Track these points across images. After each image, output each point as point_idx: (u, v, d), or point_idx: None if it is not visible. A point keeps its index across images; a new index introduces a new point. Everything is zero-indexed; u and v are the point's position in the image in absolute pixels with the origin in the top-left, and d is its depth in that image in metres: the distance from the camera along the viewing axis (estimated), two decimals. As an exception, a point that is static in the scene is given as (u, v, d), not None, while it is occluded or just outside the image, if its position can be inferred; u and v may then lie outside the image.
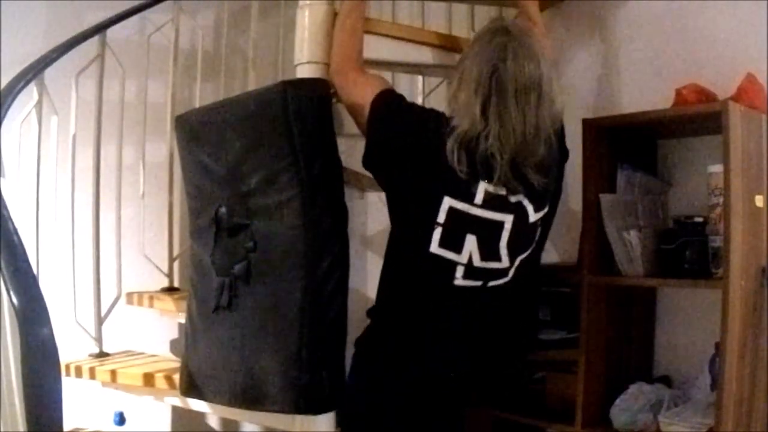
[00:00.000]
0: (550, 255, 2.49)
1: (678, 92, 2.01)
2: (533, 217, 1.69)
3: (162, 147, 2.73)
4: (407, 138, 1.70)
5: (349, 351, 1.84)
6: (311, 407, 1.82)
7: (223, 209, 1.92)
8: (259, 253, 1.84)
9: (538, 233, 1.75)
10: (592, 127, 2.06)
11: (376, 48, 1.96)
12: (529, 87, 1.60)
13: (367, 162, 1.76)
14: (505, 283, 1.73)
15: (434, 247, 1.66)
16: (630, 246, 1.97)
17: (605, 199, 2.03)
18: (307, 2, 1.94)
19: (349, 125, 1.92)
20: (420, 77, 2.86)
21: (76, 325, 2.45)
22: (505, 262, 1.70)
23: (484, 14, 2.64)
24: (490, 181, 1.62)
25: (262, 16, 2.75)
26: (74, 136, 2.48)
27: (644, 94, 2.23)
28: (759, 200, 1.85)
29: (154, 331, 2.80)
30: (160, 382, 2.30)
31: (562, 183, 1.84)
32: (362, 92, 1.77)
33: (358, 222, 1.93)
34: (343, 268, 1.81)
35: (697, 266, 1.88)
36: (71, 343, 2.37)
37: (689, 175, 2.16)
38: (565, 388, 2.08)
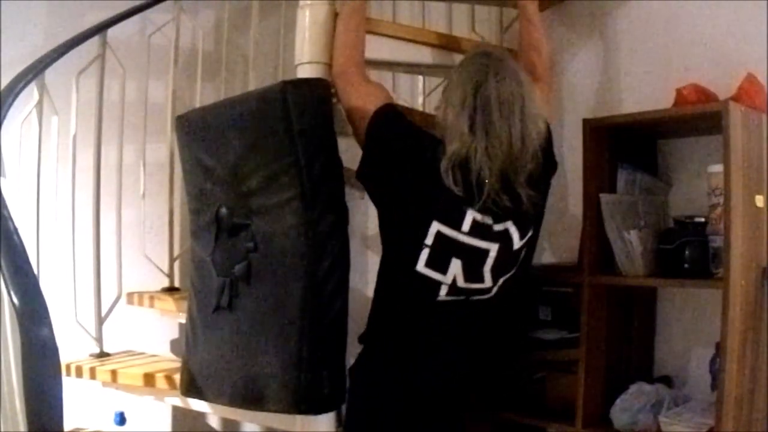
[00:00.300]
0: (550, 255, 2.49)
1: (678, 92, 2.01)
2: (518, 244, 1.74)
3: (162, 147, 2.73)
4: (403, 157, 1.74)
5: (350, 351, 1.84)
6: (312, 407, 1.82)
7: (223, 209, 1.92)
8: (259, 253, 1.84)
9: (522, 255, 1.79)
10: (593, 127, 2.06)
11: (376, 48, 1.96)
12: (512, 101, 1.65)
13: (361, 174, 1.79)
14: (489, 298, 1.77)
15: (420, 266, 1.71)
16: (630, 246, 1.97)
17: (605, 199, 2.03)
18: (308, 2, 1.94)
19: (349, 125, 1.92)
20: (420, 77, 2.86)
21: (76, 325, 2.45)
22: (487, 283, 1.74)
23: (485, 14, 2.64)
24: (480, 206, 1.66)
25: (263, 16, 2.75)
26: (75, 136, 2.48)
27: (644, 94, 2.23)
28: (759, 200, 1.85)
29: (155, 331, 2.80)
30: (161, 382, 2.30)
31: (546, 200, 1.87)
32: (364, 102, 1.79)
33: (358, 222, 1.93)
34: (344, 268, 1.81)
35: (698, 266, 1.88)
36: (72, 343, 2.37)
37: (689, 175, 2.16)
38: (566, 388, 2.08)
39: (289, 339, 1.77)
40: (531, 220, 1.76)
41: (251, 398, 1.85)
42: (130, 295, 2.66)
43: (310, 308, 1.76)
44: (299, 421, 1.91)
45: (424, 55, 2.24)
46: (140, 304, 2.66)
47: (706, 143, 2.08)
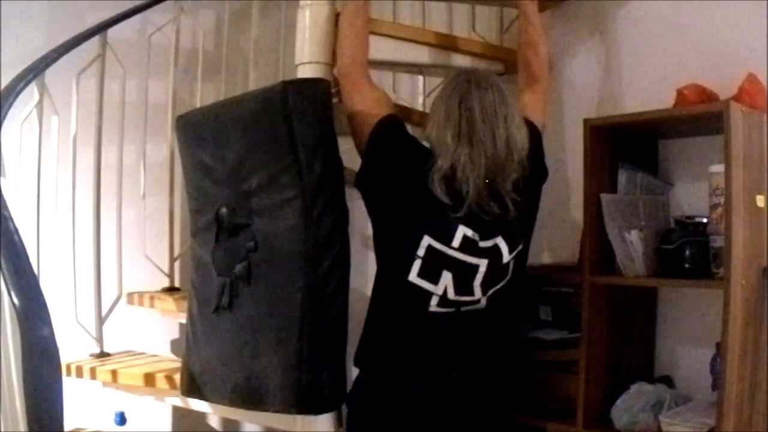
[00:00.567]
0: (550, 255, 2.49)
1: (679, 92, 2.00)
2: (507, 258, 1.76)
3: (163, 147, 2.73)
4: (401, 168, 1.76)
5: (350, 351, 1.84)
6: (312, 407, 1.82)
7: (223, 209, 1.92)
8: (259, 253, 1.84)
9: (511, 268, 1.80)
10: (593, 127, 2.06)
11: (376, 48, 1.96)
12: (495, 109, 1.69)
13: (360, 182, 1.81)
14: (480, 309, 1.78)
15: (413, 276, 1.73)
16: (631, 246, 1.97)
17: (606, 199, 2.03)
18: (308, 2, 1.94)
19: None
20: (420, 77, 2.86)
21: (76, 325, 2.45)
22: (477, 295, 1.76)
23: (485, 14, 2.64)
24: (469, 217, 1.68)
25: (263, 16, 2.75)
26: (75, 136, 2.48)
27: (645, 94, 2.23)
28: (760, 200, 1.85)
29: (155, 331, 2.80)
30: (161, 382, 2.30)
31: (537, 210, 1.89)
32: (369, 108, 1.82)
33: (358, 222, 1.93)
34: (344, 268, 1.81)
35: (698, 266, 1.88)
36: (72, 343, 2.37)
37: (690, 175, 2.15)
38: (566, 388, 2.08)
39: (289, 339, 1.77)
40: (520, 232, 1.78)
41: (251, 398, 1.85)
42: (130, 295, 2.66)
43: (310, 308, 1.76)
44: (299, 421, 1.91)
45: (424, 55, 2.24)
46: (140, 304, 2.66)
47: (706, 143, 2.08)
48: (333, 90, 1.91)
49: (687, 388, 2.08)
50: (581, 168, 2.08)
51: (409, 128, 1.97)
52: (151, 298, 2.63)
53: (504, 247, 1.75)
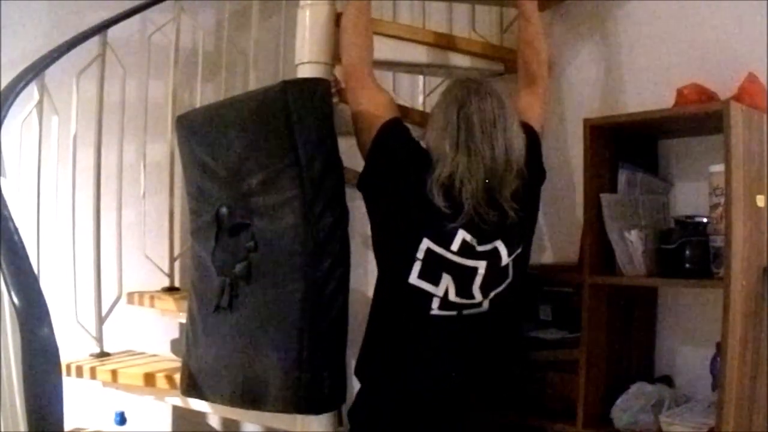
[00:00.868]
0: (550, 255, 2.49)
1: (679, 92, 2.00)
2: (506, 260, 1.76)
3: (163, 147, 2.73)
4: (403, 171, 1.77)
5: (350, 351, 1.84)
6: (312, 407, 1.82)
7: (223, 209, 1.92)
8: (260, 253, 1.84)
9: (511, 271, 1.80)
10: (593, 127, 2.06)
11: (377, 48, 1.96)
12: (494, 118, 1.69)
13: (362, 183, 1.82)
14: (482, 312, 1.78)
15: (413, 278, 1.73)
16: (631, 246, 1.97)
17: (606, 198, 2.03)
18: (308, 2, 1.95)
19: (350, 125, 1.92)
20: (420, 77, 2.86)
21: (76, 325, 2.45)
22: (478, 298, 1.76)
23: (485, 14, 2.64)
24: (468, 223, 1.69)
25: (263, 15, 2.75)
26: (75, 136, 2.48)
27: (645, 93, 2.22)
28: (760, 200, 1.85)
29: (155, 331, 2.80)
30: (161, 381, 2.30)
31: (537, 212, 1.89)
32: (374, 109, 1.83)
33: (358, 222, 1.93)
34: (344, 267, 1.81)
35: (698, 266, 1.88)
36: (72, 342, 2.37)
37: (690, 174, 2.15)
38: (566, 388, 2.08)
39: (289, 339, 1.77)
40: (519, 236, 1.78)
41: (251, 398, 1.85)
42: (130, 294, 2.67)
43: (310, 308, 1.76)
44: (299, 420, 1.91)
45: (424, 54, 2.24)
46: (140, 303, 2.66)
47: (707, 143, 2.08)
48: (333, 90, 1.91)
49: (687, 388, 2.07)
50: (581, 168, 2.08)
51: (410, 127, 1.97)
52: (151, 297, 2.63)
53: (503, 250, 1.75)
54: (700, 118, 1.93)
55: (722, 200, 1.82)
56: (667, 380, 2.11)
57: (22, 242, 1.66)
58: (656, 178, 2.17)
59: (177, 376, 2.17)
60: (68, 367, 2.37)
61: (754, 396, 1.82)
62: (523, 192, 1.74)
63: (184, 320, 2.19)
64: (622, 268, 1.99)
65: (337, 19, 1.96)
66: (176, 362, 2.30)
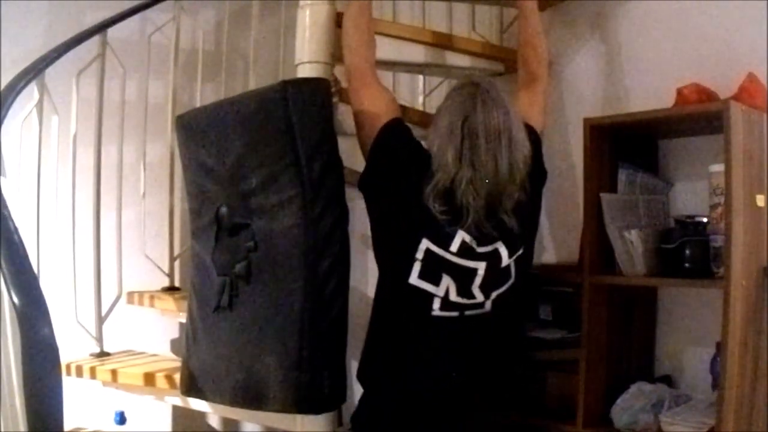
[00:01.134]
0: (550, 255, 2.49)
1: (679, 92, 2.00)
2: (506, 261, 1.76)
3: (163, 147, 2.73)
4: (404, 172, 1.77)
5: (350, 351, 1.84)
6: (312, 407, 1.82)
7: (223, 209, 1.92)
8: (259, 253, 1.84)
9: (513, 271, 1.79)
10: (593, 127, 2.06)
11: (377, 47, 1.96)
12: (499, 132, 1.66)
13: (363, 183, 1.82)
14: (484, 313, 1.78)
15: (413, 278, 1.73)
16: (631, 245, 1.97)
17: (606, 198, 2.03)
18: (308, 2, 1.95)
19: (350, 125, 1.93)
20: (420, 77, 2.86)
21: (76, 325, 2.45)
22: (479, 298, 1.76)
23: (485, 14, 2.64)
24: (467, 229, 1.68)
25: (263, 15, 2.75)
26: (75, 136, 2.48)
27: (645, 93, 2.23)
28: (760, 200, 1.85)
29: (155, 331, 2.80)
30: (161, 381, 2.30)
31: (539, 213, 1.89)
32: (377, 108, 1.83)
33: (358, 222, 1.93)
34: (344, 267, 1.81)
35: (698, 266, 1.88)
36: (72, 342, 2.37)
37: (690, 174, 2.15)
38: (566, 388, 2.08)
39: (289, 338, 1.77)
40: (521, 238, 1.77)
41: (251, 398, 1.85)
42: (130, 294, 2.66)
43: (310, 308, 1.76)
44: (299, 420, 1.91)
45: (424, 54, 2.24)
46: (140, 303, 2.66)
47: (706, 143, 2.08)
48: (333, 89, 1.91)
49: (687, 388, 2.08)
50: (581, 167, 2.08)
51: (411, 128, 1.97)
52: (151, 297, 2.63)
53: (504, 252, 1.74)
54: (700, 118, 1.93)
55: (722, 200, 1.82)
56: (667, 380, 2.11)
57: (22, 242, 1.66)
58: (656, 178, 2.18)
59: (177, 376, 2.17)
60: (68, 366, 2.37)
61: (754, 396, 1.82)
62: (524, 204, 1.73)
63: (184, 320, 2.18)
64: (622, 267, 1.99)
65: (337, 18, 1.96)
66: (176, 362, 2.30)
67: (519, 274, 1.80)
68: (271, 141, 1.79)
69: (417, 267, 1.72)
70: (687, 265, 1.90)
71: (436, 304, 1.74)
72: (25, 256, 1.65)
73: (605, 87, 2.38)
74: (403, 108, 2.21)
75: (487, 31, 2.62)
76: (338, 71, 2.07)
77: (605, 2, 2.38)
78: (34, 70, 2.25)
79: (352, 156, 1.92)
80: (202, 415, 2.87)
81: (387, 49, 2.05)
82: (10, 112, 2.12)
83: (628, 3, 2.32)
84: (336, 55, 1.96)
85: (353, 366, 1.88)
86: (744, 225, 1.78)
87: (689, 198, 2.14)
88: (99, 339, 2.51)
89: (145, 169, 2.71)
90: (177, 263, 2.74)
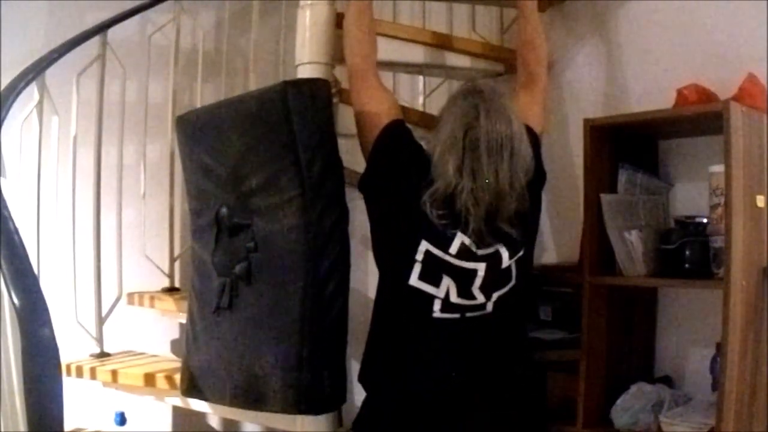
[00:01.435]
0: (550, 255, 2.49)
1: (679, 92, 2.00)
2: (506, 262, 1.75)
3: (163, 147, 2.73)
4: (404, 173, 1.76)
5: (351, 351, 1.84)
6: (312, 407, 1.82)
7: (224, 209, 1.92)
8: (260, 254, 1.84)
9: (514, 273, 1.78)
10: (593, 127, 2.06)
11: (377, 48, 1.96)
12: (501, 144, 1.65)
13: (363, 184, 1.82)
14: (485, 315, 1.77)
15: (414, 280, 1.72)
16: (631, 246, 1.97)
17: (606, 199, 2.03)
18: (308, 2, 1.95)
19: (350, 125, 1.93)
20: (420, 77, 2.86)
21: (77, 325, 2.45)
22: (480, 299, 1.75)
23: (485, 14, 2.64)
24: (466, 233, 1.68)
25: (263, 16, 2.75)
26: (75, 137, 2.48)
27: (645, 94, 2.23)
28: (760, 200, 1.85)
29: (155, 332, 2.80)
30: (161, 382, 2.30)
31: (539, 215, 1.89)
32: (378, 109, 1.83)
33: (358, 222, 1.93)
34: (344, 268, 1.81)
35: (698, 266, 1.88)
36: (72, 343, 2.37)
37: (690, 175, 2.15)
38: (566, 388, 2.08)
39: (289, 339, 1.77)
40: (521, 239, 1.77)
41: (251, 398, 1.85)
42: (130, 295, 2.66)
43: (310, 308, 1.76)
44: (299, 421, 1.91)
45: (424, 54, 2.24)
46: (141, 304, 2.66)
47: (706, 143, 2.08)
48: (333, 90, 1.91)
49: (687, 388, 2.08)
50: (581, 168, 2.08)
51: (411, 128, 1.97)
52: (151, 298, 2.63)
53: (504, 253, 1.74)
54: (700, 118, 1.93)
55: (722, 200, 1.82)
56: (667, 380, 2.11)
57: (22, 242, 1.66)
58: (656, 179, 2.18)
59: (177, 377, 2.17)
60: (68, 367, 2.37)
61: (754, 396, 1.82)
62: (523, 212, 1.73)
63: (184, 320, 2.19)
64: (622, 268, 1.99)
65: (337, 19, 1.96)
66: (176, 362, 2.30)
67: (520, 276, 1.80)
68: (272, 141, 1.79)
69: (417, 268, 1.72)
70: (687, 265, 1.90)
71: (437, 305, 1.73)
72: (26, 257, 1.65)
73: (605, 87, 2.38)
74: (403, 108, 2.21)
75: (487, 31, 2.62)
76: (338, 72, 2.07)
77: (605, 2, 2.38)
78: (35, 71, 2.25)
79: (352, 156, 1.92)
80: (202, 416, 2.86)
81: (387, 49, 2.05)
82: (11, 112, 2.12)
83: (628, 3, 2.32)
84: (336, 56, 1.96)
85: (354, 366, 1.87)
86: (744, 225, 1.78)
87: (689, 198, 2.14)
88: (99, 339, 2.51)
89: (145, 169, 2.71)
90: (177, 264, 2.74)
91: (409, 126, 1.90)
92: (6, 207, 1.69)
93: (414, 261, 1.72)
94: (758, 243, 1.85)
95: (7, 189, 1.80)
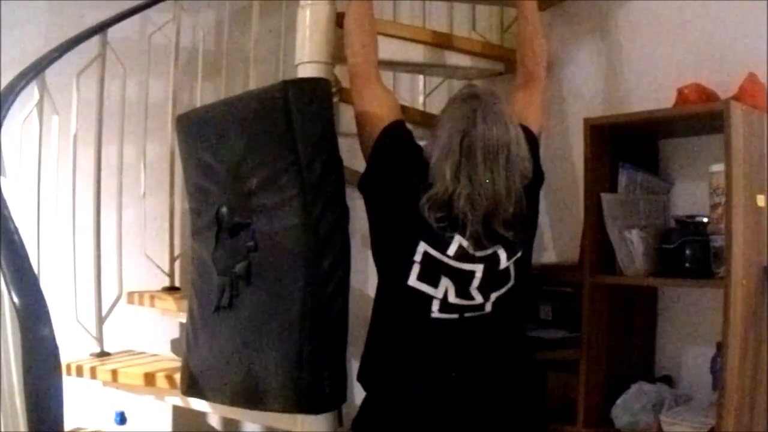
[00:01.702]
0: (551, 254, 2.49)
1: (680, 92, 2.00)
2: (504, 264, 1.75)
3: (163, 146, 2.73)
4: (404, 175, 1.76)
5: (351, 351, 1.84)
6: (312, 407, 1.82)
7: (224, 209, 1.92)
8: (260, 253, 1.84)
9: (512, 274, 1.78)
10: (594, 127, 2.06)
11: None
12: (497, 149, 1.66)
13: (363, 184, 1.82)
14: (484, 315, 1.77)
15: (412, 280, 1.72)
16: (631, 245, 1.97)
17: (606, 198, 2.03)
18: (309, 2, 1.95)
19: (350, 124, 1.93)
20: (420, 76, 2.86)
21: (77, 325, 2.45)
22: (478, 300, 1.75)
23: (485, 14, 2.64)
24: (464, 236, 1.68)
25: (263, 15, 2.75)
26: (75, 136, 2.48)
27: (646, 93, 2.22)
28: (761, 200, 1.85)
29: (155, 331, 2.81)
30: (161, 381, 2.30)
31: (537, 215, 1.89)
32: (379, 110, 1.82)
33: (358, 222, 1.93)
34: (344, 267, 1.81)
35: (699, 266, 1.88)
36: (72, 342, 2.37)
37: (691, 174, 2.15)
38: (567, 388, 2.08)
39: (289, 338, 1.77)
40: (520, 240, 1.77)
41: (252, 398, 1.85)
42: (130, 294, 2.67)
43: (310, 308, 1.76)
44: (300, 420, 1.91)
45: (424, 54, 2.24)
46: (141, 303, 2.66)
47: (707, 143, 2.08)
48: (333, 89, 1.91)
49: (687, 388, 2.08)
50: (581, 168, 2.08)
51: (409, 128, 1.97)
52: (152, 297, 2.63)
53: (502, 255, 1.74)
54: (700, 117, 1.93)
55: (722, 200, 1.82)
56: (668, 380, 2.11)
57: (22, 242, 1.66)
58: (656, 178, 2.17)
59: (177, 376, 2.17)
60: (68, 366, 2.37)
61: (754, 396, 1.82)
62: (519, 216, 1.73)
63: (184, 320, 2.19)
64: (623, 267, 1.99)
65: (337, 18, 1.96)
66: (176, 362, 2.30)
67: (518, 276, 1.80)
68: (272, 141, 1.79)
69: (416, 269, 1.72)
70: (687, 265, 1.90)
71: (435, 306, 1.73)
72: (26, 256, 1.65)
73: (605, 87, 2.38)
74: (403, 108, 2.22)
75: (487, 30, 2.62)
76: (339, 71, 2.07)
77: (605, 2, 2.38)
78: (35, 70, 2.25)
79: (353, 156, 1.92)
80: (202, 415, 2.87)
81: (387, 48, 2.05)
82: (11, 112, 2.12)
83: (628, 3, 2.32)
84: (336, 55, 1.96)
85: (354, 366, 1.87)
86: (744, 225, 1.78)
87: (690, 198, 2.13)
88: (99, 339, 2.51)
89: (145, 169, 2.71)
90: (177, 263, 2.74)
91: (410, 125, 1.90)
92: (6, 207, 1.69)
93: (412, 262, 1.72)
94: (758, 242, 1.85)
95: (7, 189, 1.80)
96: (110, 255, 2.55)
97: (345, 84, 2.11)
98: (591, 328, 2.02)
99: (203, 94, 2.76)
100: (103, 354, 2.51)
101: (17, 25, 2.67)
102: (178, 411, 2.74)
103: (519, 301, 1.85)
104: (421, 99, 2.88)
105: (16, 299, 1.54)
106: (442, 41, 2.29)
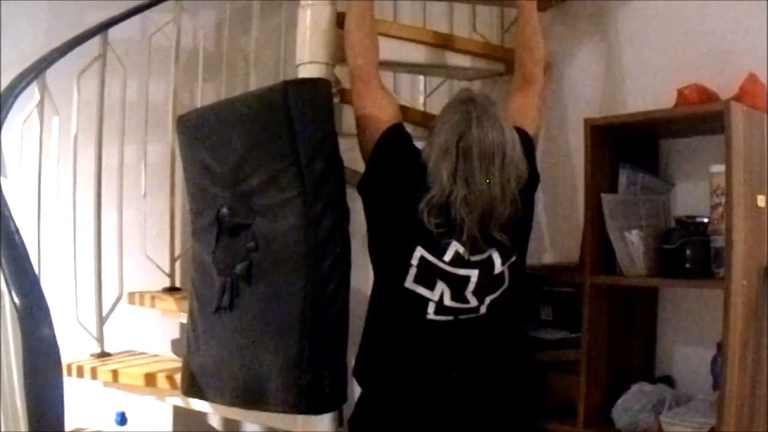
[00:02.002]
0: (551, 255, 2.49)
1: (680, 92, 2.00)
2: (499, 268, 1.77)
3: (163, 147, 2.73)
4: (403, 178, 1.77)
5: (351, 351, 1.84)
6: (313, 407, 1.82)
7: (224, 209, 1.92)
8: (260, 253, 1.84)
9: (506, 277, 1.80)
10: (594, 127, 2.06)
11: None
12: (493, 152, 1.68)
13: (362, 186, 1.83)
14: (478, 317, 1.78)
15: (409, 283, 1.74)
16: (632, 246, 1.97)
17: (607, 198, 2.03)
18: (309, 2, 1.95)
19: (350, 125, 1.93)
20: (421, 77, 2.86)
21: (77, 325, 2.45)
22: (473, 303, 1.77)
23: (485, 14, 2.64)
24: (460, 241, 1.70)
25: (264, 15, 2.75)
26: (76, 136, 2.48)
27: (646, 93, 2.22)
28: (761, 200, 1.85)
29: (156, 331, 2.80)
30: (162, 382, 2.30)
31: (532, 217, 1.90)
32: (380, 113, 1.84)
33: (358, 222, 1.93)
34: (345, 267, 1.81)
35: (699, 266, 1.88)
36: (73, 343, 2.37)
37: (691, 174, 2.15)
38: (567, 388, 2.08)
39: (290, 339, 1.77)
40: (515, 245, 1.78)
41: (252, 398, 1.85)
42: (131, 294, 2.67)
43: (311, 308, 1.76)
44: (300, 420, 1.91)
45: (424, 54, 2.24)
46: (141, 303, 2.66)
47: (707, 143, 2.08)
48: (334, 90, 1.91)
49: (688, 388, 2.07)
50: (582, 168, 2.08)
51: (410, 128, 1.97)
52: (152, 297, 2.63)
53: (497, 260, 1.76)
54: (700, 118, 1.93)
55: (723, 200, 1.82)
56: (668, 380, 2.11)
57: (22, 242, 1.66)
58: (657, 178, 2.17)
59: (178, 377, 2.17)
60: (69, 367, 2.37)
61: (754, 396, 1.82)
62: (514, 218, 1.74)
63: (184, 320, 2.19)
64: (623, 268, 1.99)
65: (338, 18, 1.96)
66: (177, 362, 2.31)
67: (513, 279, 1.81)
68: (272, 141, 1.79)
69: (412, 272, 1.74)
70: (688, 265, 1.90)
71: (431, 308, 1.75)
72: (26, 257, 1.65)
73: (605, 87, 2.38)
74: (404, 108, 2.22)
75: (487, 31, 2.62)
76: (339, 71, 2.07)
77: (605, 2, 2.38)
78: (35, 71, 2.25)
79: (353, 156, 1.92)
80: (203, 416, 2.87)
81: (387, 49, 2.05)
82: (11, 112, 2.12)
83: (628, 3, 2.32)
84: (337, 56, 1.96)
85: (353, 369, 1.87)
86: (744, 225, 1.78)
87: (690, 198, 2.13)
88: (100, 339, 2.51)
89: (145, 169, 2.71)
90: (178, 264, 2.74)
91: (411, 126, 1.91)
92: (6, 207, 1.69)
93: (409, 265, 1.73)
94: (759, 243, 1.85)
95: (7, 189, 1.80)
96: (111, 255, 2.55)
97: (345, 84, 2.11)
98: (591, 329, 2.02)
99: (204, 95, 2.76)
100: (103, 354, 2.51)
101: (17, 25, 2.67)
102: (178, 411, 2.74)
103: (514, 303, 1.85)
104: (421, 99, 2.88)
105: (16, 299, 1.54)
106: (443, 42, 2.29)
